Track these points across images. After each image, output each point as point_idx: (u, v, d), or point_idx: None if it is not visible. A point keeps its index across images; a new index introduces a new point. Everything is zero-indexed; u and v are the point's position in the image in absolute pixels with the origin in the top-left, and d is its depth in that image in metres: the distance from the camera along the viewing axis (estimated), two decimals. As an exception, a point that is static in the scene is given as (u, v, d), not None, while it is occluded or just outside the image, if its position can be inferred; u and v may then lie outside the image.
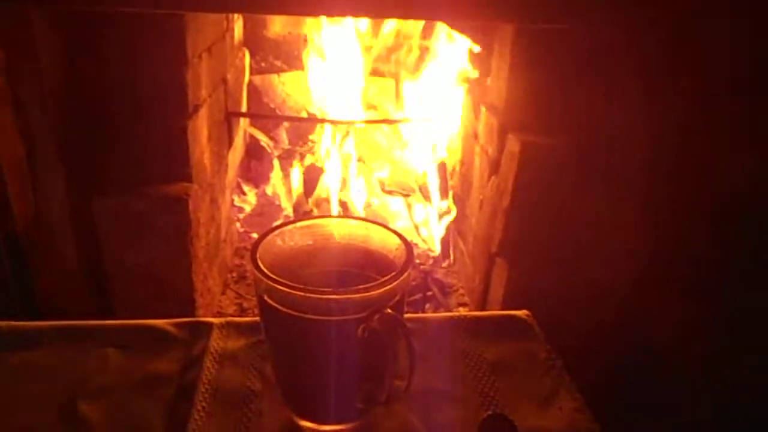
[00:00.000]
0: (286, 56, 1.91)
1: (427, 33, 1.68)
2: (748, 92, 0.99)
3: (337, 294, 0.39)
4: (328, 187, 1.69)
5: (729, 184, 1.01)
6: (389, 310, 0.40)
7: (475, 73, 1.44)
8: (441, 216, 1.63)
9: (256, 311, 0.43)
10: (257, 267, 0.40)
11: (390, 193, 1.80)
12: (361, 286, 0.39)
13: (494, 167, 1.20)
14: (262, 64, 1.90)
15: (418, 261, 1.58)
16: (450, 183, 1.63)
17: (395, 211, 1.76)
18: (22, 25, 0.91)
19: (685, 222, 1.05)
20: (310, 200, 1.71)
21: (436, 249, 1.62)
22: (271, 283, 0.39)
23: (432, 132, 1.68)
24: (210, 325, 0.55)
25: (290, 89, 1.88)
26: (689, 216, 1.05)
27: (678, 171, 1.04)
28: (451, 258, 1.59)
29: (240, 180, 1.76)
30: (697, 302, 1.05)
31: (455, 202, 1.60)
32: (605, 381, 1.07)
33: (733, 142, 1.00)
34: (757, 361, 0.99)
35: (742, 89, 0.98)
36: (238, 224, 1.67)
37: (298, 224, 0.47)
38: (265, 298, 0.41)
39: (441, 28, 1.58)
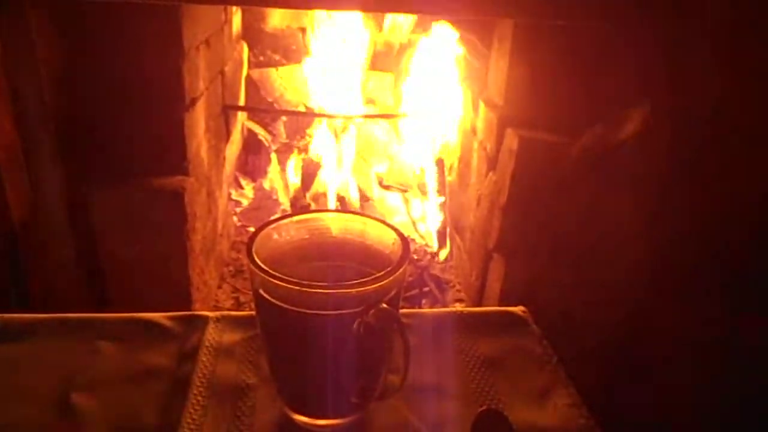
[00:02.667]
0: (284, 50, 1.90)
1: (426, 28, 1.68)
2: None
3: (332, 288, 0.39)
4: (325, 181, 1.69)
5: (754, 181, 0.99)
6: (385, 305, 0.39)
7: (473, 69, 1.44)
8: (437, 206, 1.62)
9: (253, 305, 0.43)
10: (253, 261, 0.40)
11: (388, 188, 1.80)
12: (356, 281, 0.39)
13: (492, 163, 1.20)
14: (261, 58, 1.89)
15: (415, 256, 1.58)
16: (448, 179, 1.63)
17: (393, 206, 1.76)
18: (19, 17, 0.90)
19: (704, 221, 1.03)
20: (308, 194, 1.71)
21: (433, 242, 1.62)
22: (266, 277, 0.39)
23: (430, 127, 1.68)
24: (205, 318, 0.55)
25: (288, 83, 1.87)
26: (708, 215, 1.03)
27: (693, 168, 1.03)
28: (447, 246, 1.59)
29: (237, 174, 1.75)
30: (713, 304, 1.04)
31: (452, 198, 1.59)
32: (601, 377, 1.07)
33: (759, 136, 0.98)
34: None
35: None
36: (235, 218, 1.67)
37: (295, 218, 0.47)
38: (261, 292, 0.41)
39: (440, 23, 1.58)
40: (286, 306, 0.39)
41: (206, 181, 1.26)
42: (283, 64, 1.89)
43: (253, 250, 0.41)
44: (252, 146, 1.82)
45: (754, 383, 0.96)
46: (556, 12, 0.97)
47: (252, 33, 1.84)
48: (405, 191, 1.79)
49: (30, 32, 0.92)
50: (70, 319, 0.54)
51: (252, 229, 1.63)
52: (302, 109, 1.84)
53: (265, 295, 0.40)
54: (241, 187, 1.75)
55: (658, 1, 0.96)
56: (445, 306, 1.43)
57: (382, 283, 0.39)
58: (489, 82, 1.28)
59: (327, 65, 1.72)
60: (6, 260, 0.97)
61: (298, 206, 1.69)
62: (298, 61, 1.88)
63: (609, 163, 1.06)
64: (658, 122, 1.03)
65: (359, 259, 0.45)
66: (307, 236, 0.47)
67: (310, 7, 1.41)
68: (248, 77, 1.82)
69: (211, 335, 0.53)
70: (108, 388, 0.48)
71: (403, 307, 0.46)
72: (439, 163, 1.64)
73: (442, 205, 1.62)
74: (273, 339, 0.44)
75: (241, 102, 1.76)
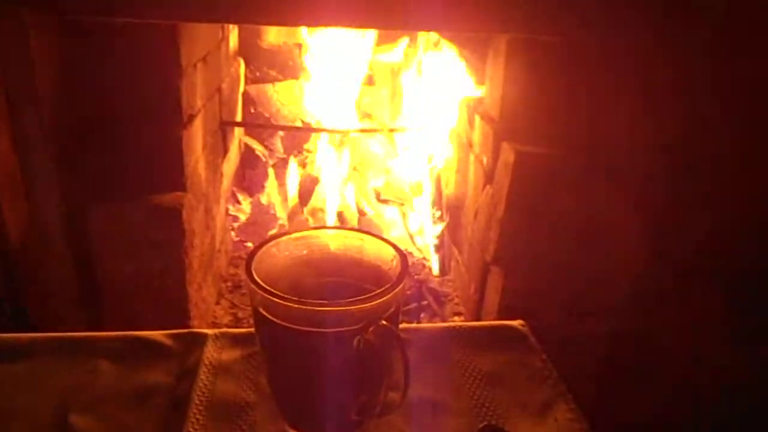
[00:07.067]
0: (280, 66, 1.91)
1: (421, 42, 1.69)
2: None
3: (332, 306, 0.39)
4: (323, 196, 1.69)
5: (754, 185, 1.00)
6: (384, 322, 0.39)
7: (469, 83, 1.45)
8: (436, 233, 1.62)
9: (251, 321, 0.43)
10: (252, 279, 0.40)
11: (385, 202, 1.80)
12: (356, 298, 0.39)
13: (489, 176, 1.21)
14: (257, 74, 1.90)
15: (413, 272, 1.58)
16: (445, 192, 1.64)
17: (390, 220, 1.76)
18: (18, 34, 0.91)
19: (702, 230, 1.03)
20: (306, 209, 1.71)
21: (434, 267, 1.62)
22: (266, 295, 0.39)
23: (427, 141, 1.69)
24: (204, 336, 0.55)
25: (285, 98, 1.88)
26: (707, 223, 1.03)
27: (692, 178, 1.03)
28: (451, 276, 1.59)
29: (235, 189, 1.76)
30: (708, 313, 1.04)
31: (450, 211, 1.60)
32: (602, 391, 1.07)
33: (756, 141, 0.99)
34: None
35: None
36: (233, 233, 1.67)
37: (293, 235, 0.47)
38: (260, 309, 0.41)
39: (436, 38, 1.59)
40: (285, 324, 0.39)
41: (204, 198, 1.26)
42: (279, 80, 1.90)
43: (253, 267, 0.41)
44: (249, 161, 1.83)
45: (756, 389, 0.95)
46: (551, 26, 0.98)
47: (249, 49, 1.85)
48: (402, 205, 1.79)
49: (28, 49, 0.92)
50: (68, 339, 0.54)
51: (250, 245, 1.63)
52: (299, 124, 1.84)
53: (265, 313, 0.40)
54: (239, 203, 1.75)
55: (653, 15, 0.97)
56: (443, 319, 1.43)
57: (381, 300, 0.39)
58: (485, 96, 1.29)
59: (323, 80, 1.73)
60: (3, 279, 0.96)
61: (296, 221, 1.69)
62: (294, 76, 1.89)
63: (608, 174, 1.06)
64: (657, 134, 1.04)
65: (358, 275, 0.45)
66: (305, 253, 0.47)
67: (302, 24, 1.42)
68: (245, 93, 1.83)
69: (210, 353, 0.53)
70: (106, 407, 0.48)
71: (401, 321, 0.46)
72: (436, 176, 1.64)
73: (440, 219, 1.62)
74: (273, 356, 0.44)
75: (239, 118, 1.76)
